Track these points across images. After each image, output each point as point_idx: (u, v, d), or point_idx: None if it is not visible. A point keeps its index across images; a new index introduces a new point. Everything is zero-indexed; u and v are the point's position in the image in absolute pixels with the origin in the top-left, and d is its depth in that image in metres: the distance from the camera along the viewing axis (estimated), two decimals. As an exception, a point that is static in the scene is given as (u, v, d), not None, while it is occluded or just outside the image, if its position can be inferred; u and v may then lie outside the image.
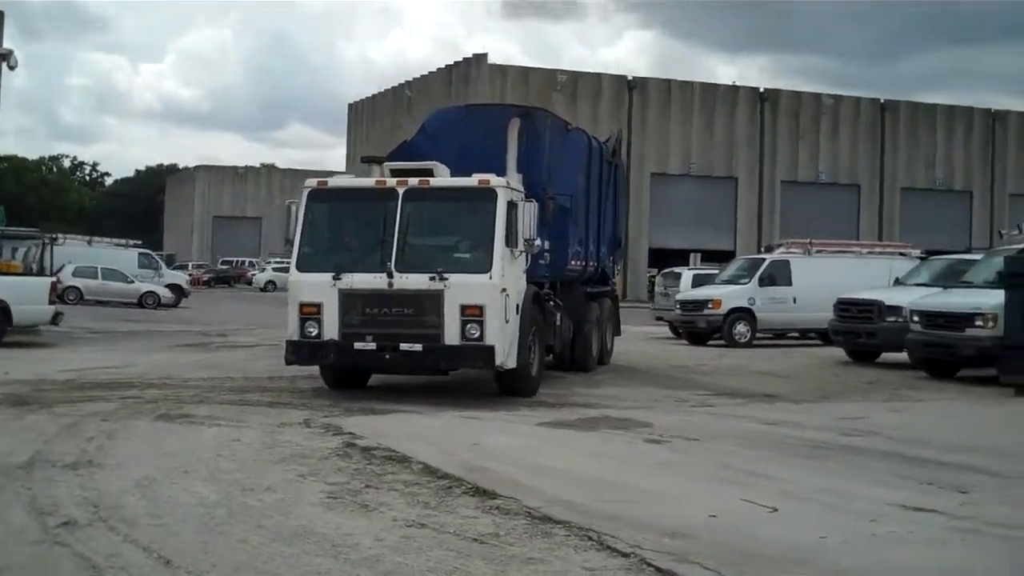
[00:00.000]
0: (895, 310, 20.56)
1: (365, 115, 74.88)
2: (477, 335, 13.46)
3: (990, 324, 17.18)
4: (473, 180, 14.09)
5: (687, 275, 32.40)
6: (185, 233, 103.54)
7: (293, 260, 14.57)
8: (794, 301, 27.19)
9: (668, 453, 10.53)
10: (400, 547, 6.90)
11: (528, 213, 14.20)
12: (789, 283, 27.29)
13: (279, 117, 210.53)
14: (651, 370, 20.07)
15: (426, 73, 65.96)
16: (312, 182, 14.83)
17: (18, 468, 9.39)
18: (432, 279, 13.55)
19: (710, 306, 27.25)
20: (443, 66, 63.14)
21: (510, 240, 13.93)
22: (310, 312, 14.00)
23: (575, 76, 59.78)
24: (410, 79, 67.96)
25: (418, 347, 13.57)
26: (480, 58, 58.91)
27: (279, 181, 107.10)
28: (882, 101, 65.88)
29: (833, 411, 14.05)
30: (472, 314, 13.47)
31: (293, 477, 9.19)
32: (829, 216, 59.53)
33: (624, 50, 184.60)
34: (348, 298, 13.85)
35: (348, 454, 10.22)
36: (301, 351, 14.19)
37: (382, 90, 72.16)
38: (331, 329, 13.88)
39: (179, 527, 7.42)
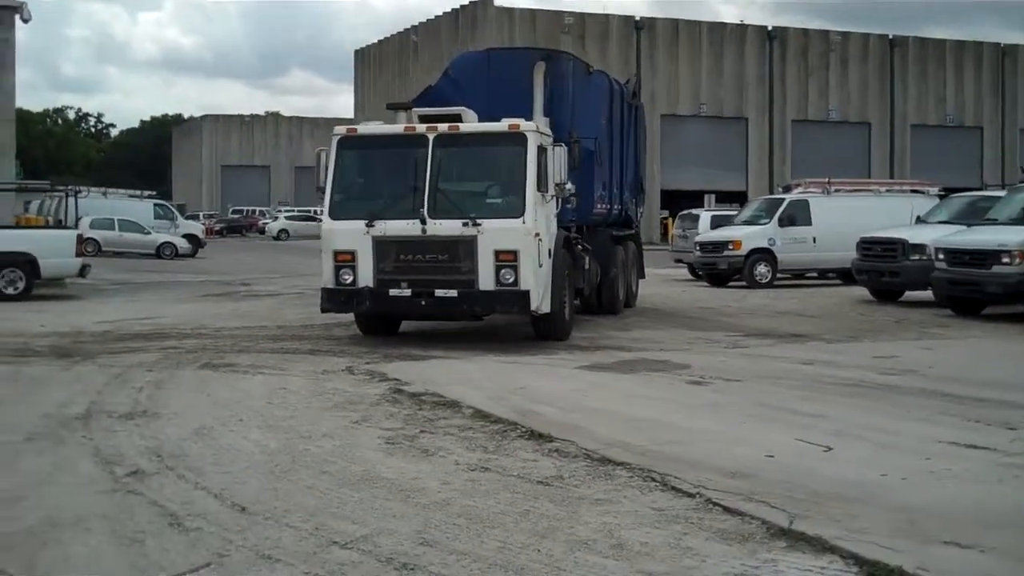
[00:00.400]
0: (919, 248, 20.59)
1: (372, 61, 74.55)
2: (512, 280, 13.53)
3: (1016, 260, 17.25)
4: (503, 125, 14.12)
5: (705, 216, 32.44)
6: (194, 183, 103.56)
7: (325, 208, 14.58)
8: (814, 241, 27.25)
9: (712, 394, 10.64)
10: (467, 490, 7.04)
11: (558, 157, 14.28)
12: (809, 223, 27.32)
13: (281, 64, 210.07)
14: (677, 312, 20.19)
15: (432, 18, 65.54)
16: (341, 129, 14.77)
17: (76, 419, 9.54)
18: (465, 225, 13.62)
19: (730, 247, 27.30)
20: (449, 10, 62.71)
21: (541, 184, 13.98)
22: (344, 260, 14.03)
23: (582, 17, 59.38)
24: (415, 24, 67.56)
25: (453, 293, 13.64)
26: (487, 1, 58.49)
27: (287, 129, 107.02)
28: (891, 37, 65.42)
29: (866, 350, 14.16)
30: (506, 259, 13.52)
31: (347, 424, 9.33)
32: (840, 154, 59.38)
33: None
34: (382, 245, 13.90)
35: (397, 400, 10.37)
36: (336, 298, 14.25)
37: (388, 36, 71.70)
38: (366, 276, 13.94)
39: (245, 474, 7.56)
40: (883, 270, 21.62)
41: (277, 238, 68.73)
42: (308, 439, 8.70)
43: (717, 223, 30.99)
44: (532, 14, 58.42)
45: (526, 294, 13.58)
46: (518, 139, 13.94)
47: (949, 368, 12.31)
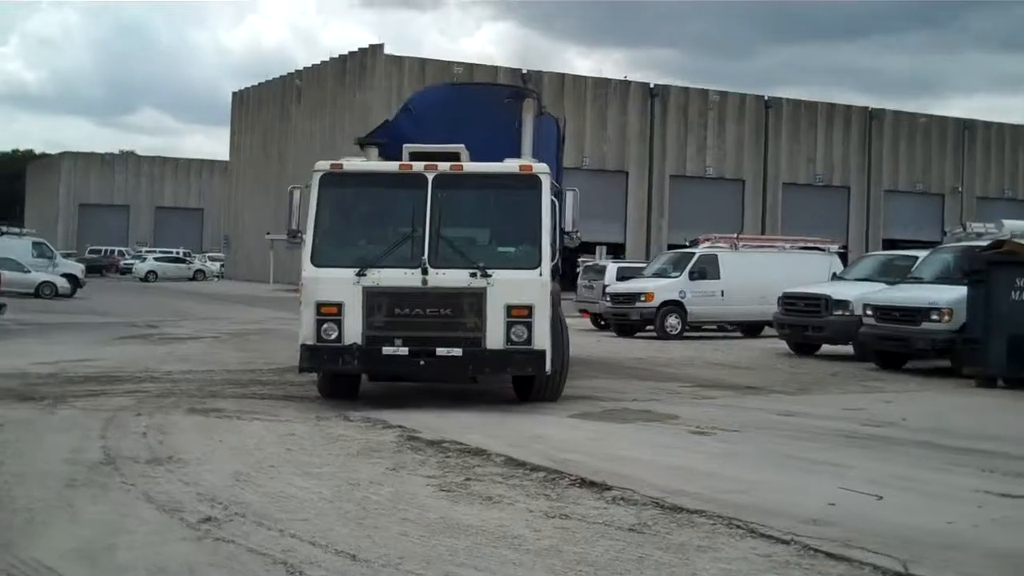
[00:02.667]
0: (842, 304, 21.42)
1: (251, 103, 73.91)
2: (524, 338, 12.38)
3: (945, 318, 18.09)
4: (513, 165, 13.09)
5: (612, 268, 33.06)
6: (49, 221, 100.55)
7: (306, 254, 12.86)
8: (722, 294, 28.02)
9: (724, 444, 10.93)
10: (566, 538, 7.14)
11: (569, 202, 13.35)
12: (717, 276, 28.12)
13: (129, 102, 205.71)
14: (611, 362, 20.53)
15: (318, 63, 65.38)
16: (324, 165, 13.25)
17: (103, 465, 9.36)
18: (473, 275, 12.46)
19: (643, 299, 27.89)
20: (336, 56, 62.67)
21: (554, 232, 13.00)
22: (329, 313, 12.51)
23: (471, 68, 60.00)
24: (299, 68, 67.36)
25: (457, 352, 12.36)
26: (376, 48, 58.71)
27: (148, 168, 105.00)
28: (766, 98, 67.70)
29: (830, 403, 14.69)
30: (519, 315, 12.40)
31: (384, 470, 9.33)
32: (715, 209, 61.01)
33: (483, 41, 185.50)
34: (374, 297, 12.50)
35: (417, 447, 10.39)
36: (318, 357, 12.64)
37: (269, 79, 71.26)
38: (353, 332, 12.48)
39: (322, 521, 7.52)
40: (807, 324, 22.37)
41: (145, 279, 67.19)
42: (357, 487, 8.68)
43: (623, 275, 31.61)
44: (422, 63, 58.81)
45: (542, 355, 12.50)
46: (531, 181, 12.86)
47: (922, 420, 12.86)
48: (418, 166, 13.00)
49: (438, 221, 12.75)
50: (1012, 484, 9.03)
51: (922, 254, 22.02)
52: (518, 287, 12.52)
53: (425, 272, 12.48)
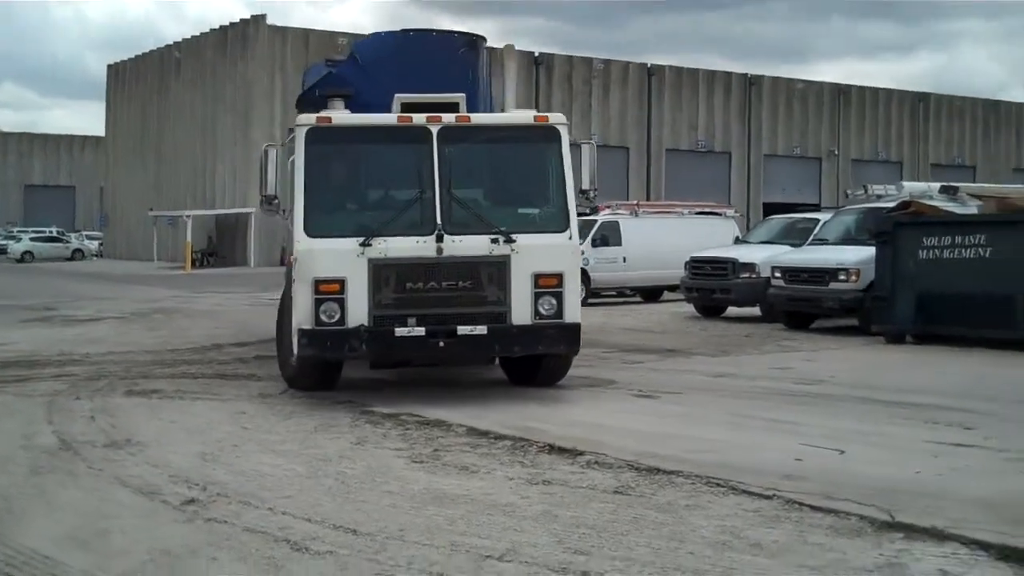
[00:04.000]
0: (749, 267, 21.93)
1: (127, 77, 72.10)
2: (555, 311, 11.11)
3: (853, 278, 18.67)
4: (527, 116, 11.87)
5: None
6: None
7: (298, 222, 11.14)
8: (624, 260, 28.40)
9: (675, 406, 11.19)
10: (557, 503, 7.28)
11: (590, 156, 11.85)
12: (619, 243, 28.44)
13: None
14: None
15: (197, 35, 64.07)
16: (310, 118, 11.50)
17: (62, 450, 9.21)
18: (494, 242, 11.07)
19: (547, 267, 28.01)
20: (217, 27, 61.49)
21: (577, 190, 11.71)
22: (329, 291, 10.90)
23: (354, 39, 59.36)
24: (178, 40, 65.93)
25: (482, 330, 10.92)
26: (258, 19, 57.76)
27: (15, 146, 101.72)
28: (649, 66, 68.44)
29: (756, 363, 15.09)
30: (548, 284, 11.13)
31: (349, 445, 9.36)
32: (600, 176, 61.42)
33: (355, 10, 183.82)
34: (382, 270, 10.96)
35: (375, 421, 10.40)
36: (320, 342, 11.01)
37: (147, 51, 69.56)
38: (359, 312, 10.90)
39: (307, 497, 7.54)
40: (714, 288, 22.83)
41: (21, 260, 65.26)
42: (329, 462, 8.70)
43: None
44: (305, 34, 58.02)
45: (575, 330, 11.27)
46: (549, 134, 11.54)
47: (849, 376, 13.28)
48: (419, 118, 11.41)
49: (448, 180, 11.21)
50: (959, 434, 9.44)
51: (823, 217, 22.66)
52: (546, 253, 11.21)
53: (440, 239, 11.01)
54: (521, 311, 11.09)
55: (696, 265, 23.36)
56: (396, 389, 12.47)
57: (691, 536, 6.45)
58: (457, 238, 11.04)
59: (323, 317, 10.90)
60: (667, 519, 6.84)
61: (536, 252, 11.13)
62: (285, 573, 5.97)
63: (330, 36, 57.98)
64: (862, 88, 75.59)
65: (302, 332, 10.98)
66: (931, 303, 16.68)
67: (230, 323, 21.59)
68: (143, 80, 69.20)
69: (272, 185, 11.83)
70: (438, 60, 13.51)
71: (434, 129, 11.30)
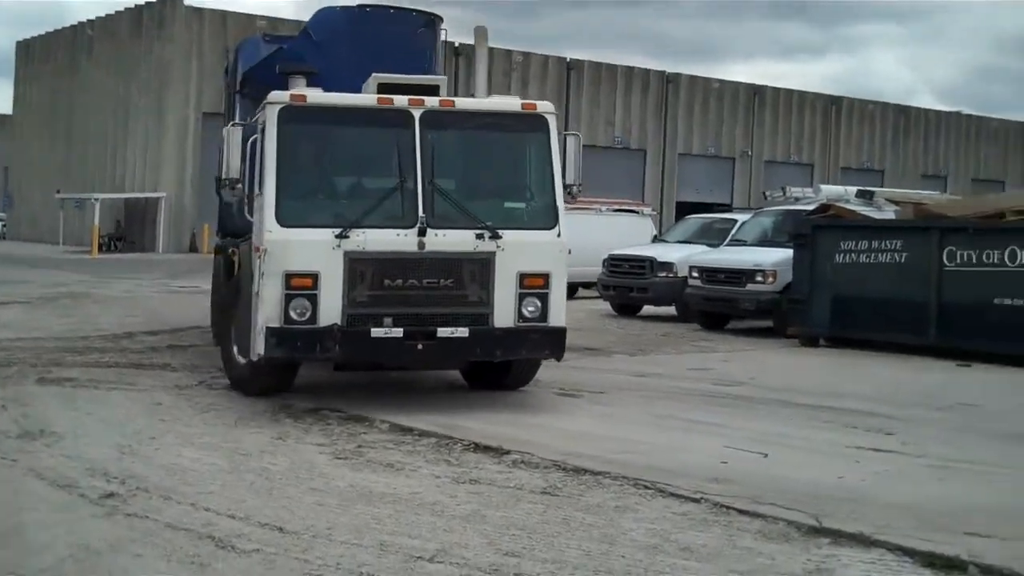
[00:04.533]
0: (667, 266, 22.08)
1: (37, 54, 70.36)
2: (539, 313, 10.52)
3: (769, 280, 18.90)
4: (514, 103, 11.16)
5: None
6: None
7: (268, 210, 10.21)
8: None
9: (598, 406, 11.20)
10: (485, 503, 7.24)
11: (576, 149, 11.13)
12: (537, 239, 28.38)
13: None
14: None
15: (111, 13, 62.78)
16: (282, 96, 10.55)
17: (-30, 441, 8.92)
18: (479, 237, 10.38)
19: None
20: (132, 6, 60.27)
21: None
22: (301, 286, 10.06)
23: (275, 23, 58.65)
24: (91, 18, 64.52)
25: (463, 332, 10.26)
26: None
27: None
28: (568, 60, 68.62)
29: (674, 363, 15.20)
30: (534, 285, 10.51)
31: (269, 439, 9.22)
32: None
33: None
34: (358, 265, 10.16)
35: (296, 415, 10.26)
36: (289, 342, 10.11)
37: (58, 28, 67.99)
38: (331, 310, 10.09)
39: (230, 493, 7.41)
40: (631, 286, 22.93)
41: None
42: (250, 456, 8.57)
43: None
44: (223, 16, 57.12)
45: (560, 334, 10.72)
46: (536, 123, 10.88)
47: (769, 379, 13.39)
48: (400, 100, 10.57)
49: (431, 169, 10.43)
50: (876, 439, 9.59)
51: (741, 217, 22.90)
52: (532, 251, 10.58)
53: (423, 233, 10.24)
54: (504, 313, 10.44)
55: (614, 263, 23.44)
56: (316, 383, 12.29)
57: (621, 539, 6.45)
58: (440, 232, 10.31)
59: (293, 315, 10.03)
60: (597, 521, 6.83)
61: (522, 250, 10.50)
62: (211, 572, 5.85)
63: (248, 18, 57.20)
64: (776, 89, 76.50)
65: (270, 331, 10.02)
66: (846, 307, 16.94)
67: (141, 310, 21.18)
68: (53, 58, 67.57)
69: (235, 169, 10.71)
70: (395, 38, 12.91)
71: (416, 113, 10.49)
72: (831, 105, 77.40)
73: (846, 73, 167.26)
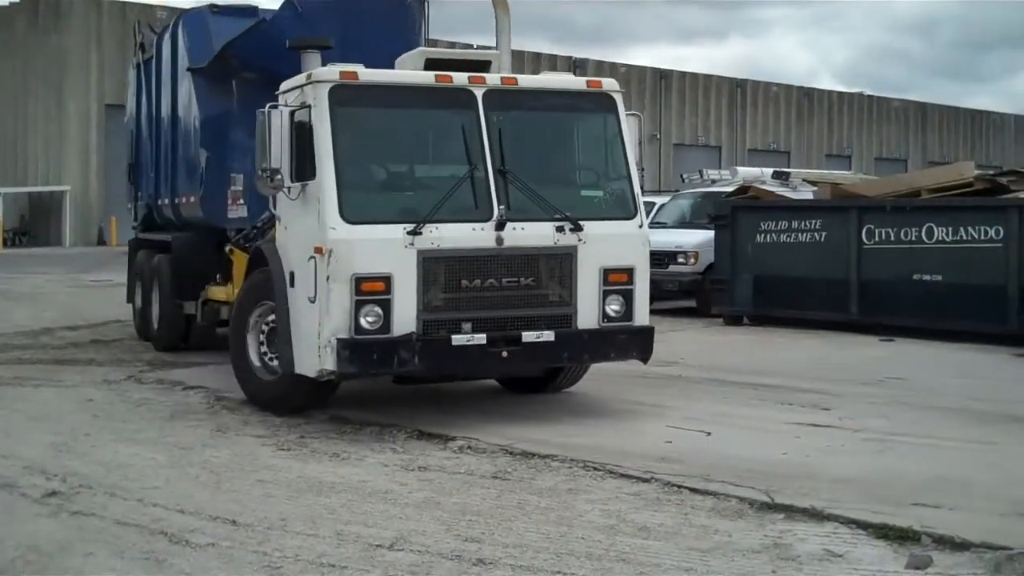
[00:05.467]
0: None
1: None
2: (623, 312, 9.59)
3: (691, 261, 19.07)
4: (578, 81, 10.28)
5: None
6: None
7: (328, 204, 8.83)
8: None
9: (533, 391, 11.19)
10: (437, 489, 7.21)
11: (638, 130, 10.30)
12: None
13: None
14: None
15: (4, 5, 61.17)
16: (330, 71, 9.18)
17: None
18: (559, 230, 9.34)
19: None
20: (28, -3, 58.80)
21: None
22: (373, 290, 8.82)
23: (172, 11, 57.71)
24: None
25: (549, 336, 9.20)
26: (73, -11, 55.46)
27: None
28: (474, 47, 68.47)
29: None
30: (618, 281, 9.57)
31: (209, 432, 9.11)
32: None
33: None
34: (433, 264, 8.95)
35: (232, 408, 10.14)
36: (366, 355, 8.79)
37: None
38: (406, 317, 8.86)
39: (176, 488, 7.30)
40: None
41: None
42: (191, 450, 8.45)
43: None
44: (122, 6, 55.98)
45: (649, 334, 9.81)
46: (604, 102, 9.97)
47: (698, 359, 13.47)
48: (460, 78, 9.44)
49: (500, 154, 9.30)
50: (814, 415, 9.72)
51: (660, 200, 23.05)
52: (615, 243, 9.60)
53: (500, 227, 9.11)
54: (587, 312, 9.45)
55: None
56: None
57: (578, 521, 6.46)
58: (518, 225, 9.18)
59: (365, 323, 8.76)
60: (552, 504, 6.84)
61: (604, 242, 9.49)
62: (168, 568, 5.75)
63: (149, 8, 56.15)
64: (683, 73, 77.23)
65: (342, 343, 8.70)
66: (769, 286, 17.15)
67: (55, 305, 20.66)
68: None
69: (276, 156, 9.09)
70: (385, 11, 12.03)
71: (478, 92, 9.36)
72: (736, 88, 78.31)
73: (749, 56, 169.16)
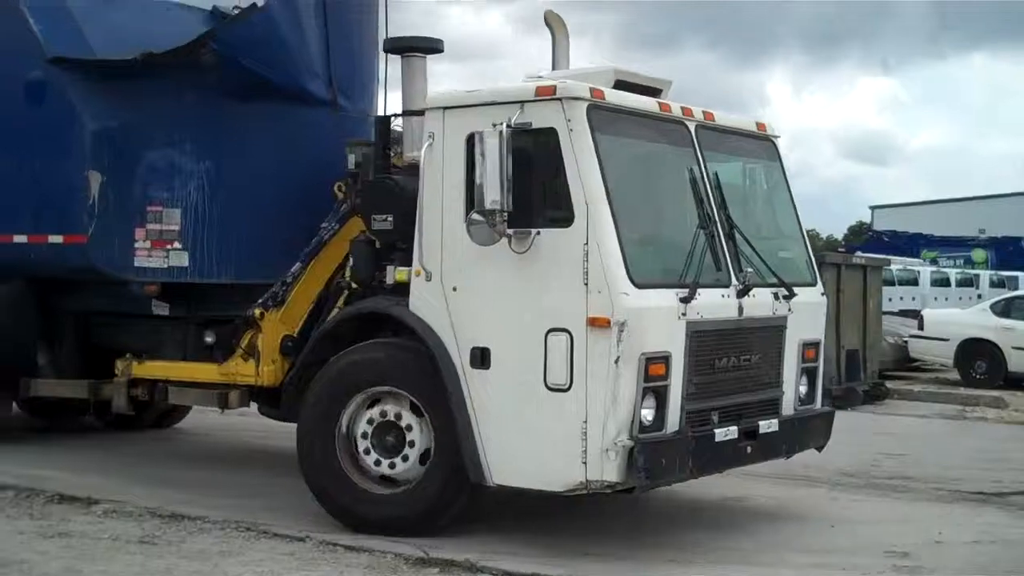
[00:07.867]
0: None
1: None
2: (809, 392, 8.38)
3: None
4: (747, 121, 8.74)
5: None
6: None
7: (613, 261, 6.82)
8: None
9: (180, 446, 10.86)
10: (78, 556, 6.86)
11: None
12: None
13: None
14: None
15: None
16: (577, 87, 7.13)
17: None
18: (776, 298, 7.94)
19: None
20: None
21: None
22: (656, 374, 6.92)
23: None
24: None
25: (775, 425, 7.81)
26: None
27: None
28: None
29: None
30: (809, 357, 8.30)
31: None
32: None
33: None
34: (699, 340, 7.25)
35: None
36: (657, 460, 6.88)
37: None
38: (675, 407, 7.12)
39: None
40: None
41: None
42: None
43: None
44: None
45: (832, 418, 8.65)
46: (770, 147, 8.73)
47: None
48: (675, 108, 7.84)
49: (723, 204, 7.79)
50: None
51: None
52: (810, 313, 8.36)
53: (743, 294, 7.61)
54: (789, 394, 8.11)
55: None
56: None
57: (230, 588, 6.28)
58: (752, 292, 7.69)
59: (646, 419, 6.87)
60: (203, 567, 6.63)
61: (802, 312, 8.20)
62: None
63: None
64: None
65: (641, 446, 6.73)
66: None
67: None
68: None
69: (496, 191, 6.78)
70: (358, 12, 10.01)
71: (691, 126, 7.84)
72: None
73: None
